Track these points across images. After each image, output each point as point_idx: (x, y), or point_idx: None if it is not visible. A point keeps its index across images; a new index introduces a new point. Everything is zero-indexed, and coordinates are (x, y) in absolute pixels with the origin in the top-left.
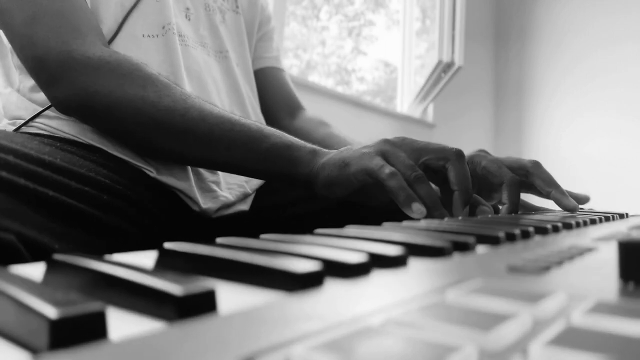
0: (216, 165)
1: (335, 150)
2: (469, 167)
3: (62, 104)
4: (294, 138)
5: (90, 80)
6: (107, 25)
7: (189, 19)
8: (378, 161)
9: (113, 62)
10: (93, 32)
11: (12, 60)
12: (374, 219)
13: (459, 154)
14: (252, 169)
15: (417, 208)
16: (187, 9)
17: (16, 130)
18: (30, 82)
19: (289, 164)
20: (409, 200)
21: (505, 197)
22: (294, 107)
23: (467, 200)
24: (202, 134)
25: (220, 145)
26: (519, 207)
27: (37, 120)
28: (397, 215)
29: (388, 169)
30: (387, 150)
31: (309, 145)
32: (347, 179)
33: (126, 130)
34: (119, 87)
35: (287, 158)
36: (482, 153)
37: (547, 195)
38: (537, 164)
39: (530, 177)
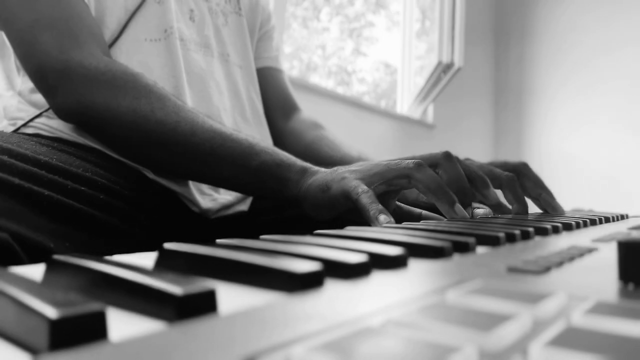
0: (206, 180)
1: (325, 171)
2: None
3: (60, 112)
4: (286, 155)
5: (85, 92)
6: (111, 29)
7: (194, 21)
8: (355, 183)
9: (108, 73)
10: (92, 41)
11: (14, 62)
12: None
13: (447, 155)
14: (241, 186)
15: (384, 219)
16: (191, 10)
17: (15, 131)
18: (31, 84)
19: (278, 183)
20: (376, 213)
21: (510, 197)
22: (290, 109)
23: (466, 199)
24: (192, 149)
25: (209, 160)
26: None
27: (37, 120)
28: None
29: (361, 188)
30: (370, 173)
31: (299, 163)
32: (329, 202)
33: (120, 141)
34: (113, 99)
35: (277, 177)
36: (467, 160)
37: (536, 197)
38: (526, 165)
39: (521, 178)
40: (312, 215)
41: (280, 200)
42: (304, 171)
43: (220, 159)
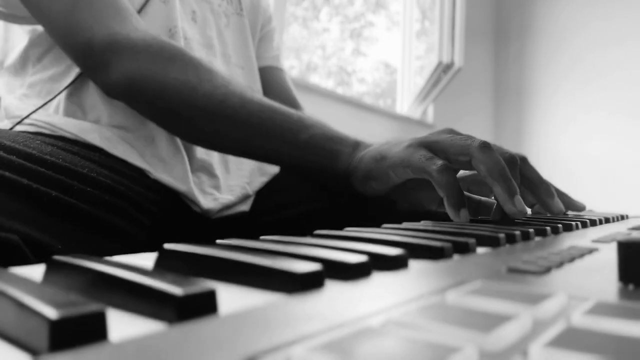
0: (255, 154)
1: (378, 142)
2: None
3: (108, 87)
4: (337, 130)
5: (135, 65)
6: None
7: (196, 22)
8: (423, 152)
9: (155, 45)
10: (133, 17)
11: (16, 62)
12: (375, 220)
13: (513, 158)
14: (290, 159)
15: (464, 215)
16: (194, 11)
17: (15, 126)
18: (32, 84)
19: (328, 156)
20: (459, 205)
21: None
22: (291, 107)
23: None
24: (241, 121)
25: (258, 133)
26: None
27: (38, 117)
28: (414, 217)
29: (439, 162)
30: (431, 140)
31: (351, 138)
32: (384, 172)
33: (168, 115)
34: (162, 71)
35: (327, 150)
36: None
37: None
38: (524, 159)
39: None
40: (360, 190)
41: (329, 175)
42: (357, 144)
43: (269, 132)
